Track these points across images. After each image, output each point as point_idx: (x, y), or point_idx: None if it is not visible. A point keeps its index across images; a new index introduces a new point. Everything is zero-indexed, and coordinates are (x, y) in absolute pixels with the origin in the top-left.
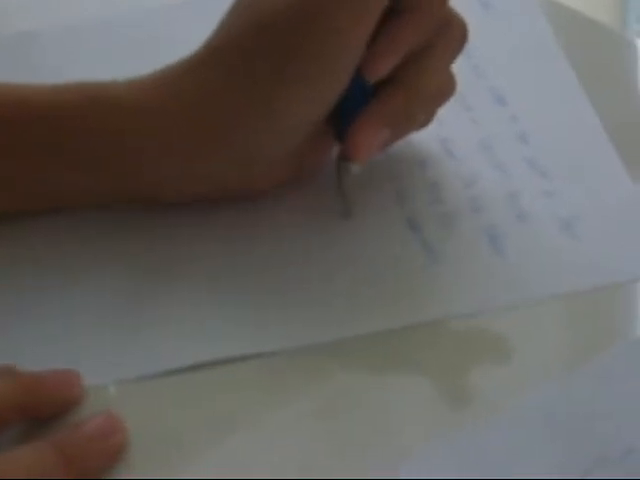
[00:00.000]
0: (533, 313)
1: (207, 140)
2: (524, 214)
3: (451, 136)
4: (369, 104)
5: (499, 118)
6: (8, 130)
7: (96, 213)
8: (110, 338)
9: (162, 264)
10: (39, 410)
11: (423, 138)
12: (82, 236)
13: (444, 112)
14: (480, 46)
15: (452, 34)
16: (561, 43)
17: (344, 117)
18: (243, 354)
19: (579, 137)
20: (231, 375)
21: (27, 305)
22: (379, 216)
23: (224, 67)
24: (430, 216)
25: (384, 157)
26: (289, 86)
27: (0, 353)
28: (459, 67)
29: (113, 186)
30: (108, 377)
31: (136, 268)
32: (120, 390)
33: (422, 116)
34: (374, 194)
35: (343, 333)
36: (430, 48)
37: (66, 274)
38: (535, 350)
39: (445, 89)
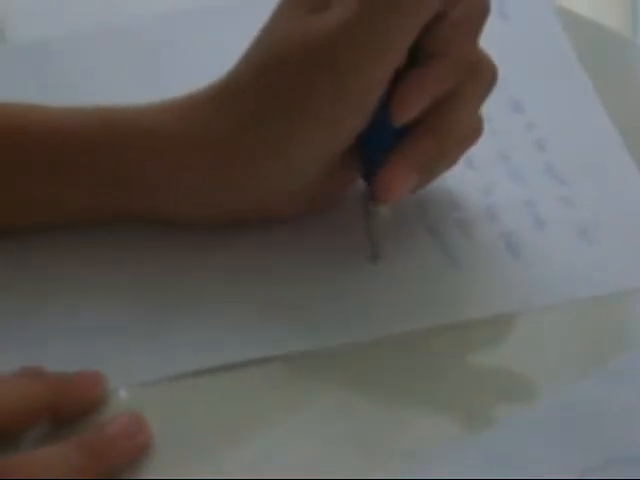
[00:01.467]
0: (550, 318)
1: (219, 176)
2: (541, 220)
3: None
4: (399, 146)
5: (516, 125)
6: (20, 152)
7: (106, 225)
8: (125, 342)
9: (170, 274)
10: (66, 410)
11: None
12: (93, 247)
13: None
14: (497, 55)
15: (482, 77)
16: (575, 50)
17: (371, 156)
18: (260, 357)
19: (595, 143)
20: (244, 378)
21: (41, 309)
22: (400, 223)
23: (236, 106)
24: (449, 223)
25: None
26: (302, 126)
27: (22, 355)
28: None
29: (127, 208)
30: (121, 381)
31: (143, 276)
32: (135, 393)
33: (451, 158)
34: (395, 203)
35: (362, 336)
36: (460, 91)
37: (79, 282)
38: (551, 354)
39: (473, 132)
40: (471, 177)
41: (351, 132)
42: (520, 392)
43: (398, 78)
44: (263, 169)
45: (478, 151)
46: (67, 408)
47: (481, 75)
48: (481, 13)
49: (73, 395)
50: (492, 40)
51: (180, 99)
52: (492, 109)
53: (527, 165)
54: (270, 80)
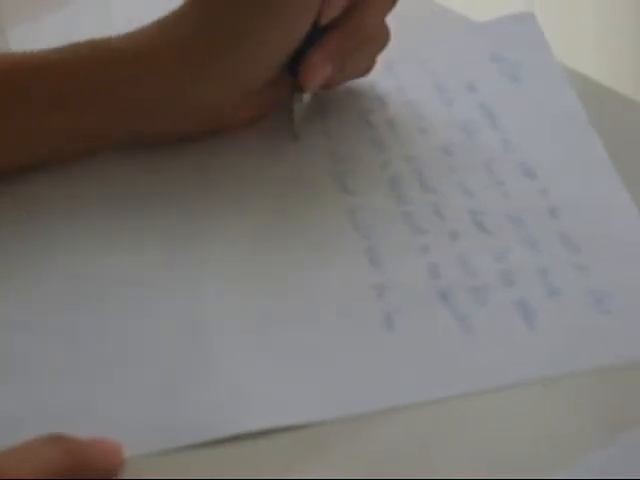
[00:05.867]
0: (564, 387)
1: (196, 70)
2: (555, 289)
3: (482, 209)
4: (318, 43)
5: (529, 191)
6: (8, 89)
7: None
8: (143, 408)
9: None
10: (85, 476)
11: (454, 212)
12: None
13: (475, 184)
14: (509, 120)
15: None
16: (589, 116)
17: (297, 56)
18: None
19: (609, 210)
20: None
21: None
22: (410, 288)
23: (209, 9)
24: (461, 289)
25: (415, 229)
26: (267, 16)
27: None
28: (489, 140)
29: (115, 127)
30: (140, 449)
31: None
32: (151, 462)
33: (361, 57)
34: (405, 267)
35: (375, 405)
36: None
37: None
38: (564, 425)
39: (380, 36)
40: (485, 241)
41: (303, 25)
42: (541, 460)
43: None
44: (235, 57)
45: (489, 212)
46: (86, 473)
47: None
48: None
49: (92, 462)
50: (505, 104)
51: (160, 18)
52: (505, 173)
53: (541, 231)
54: None
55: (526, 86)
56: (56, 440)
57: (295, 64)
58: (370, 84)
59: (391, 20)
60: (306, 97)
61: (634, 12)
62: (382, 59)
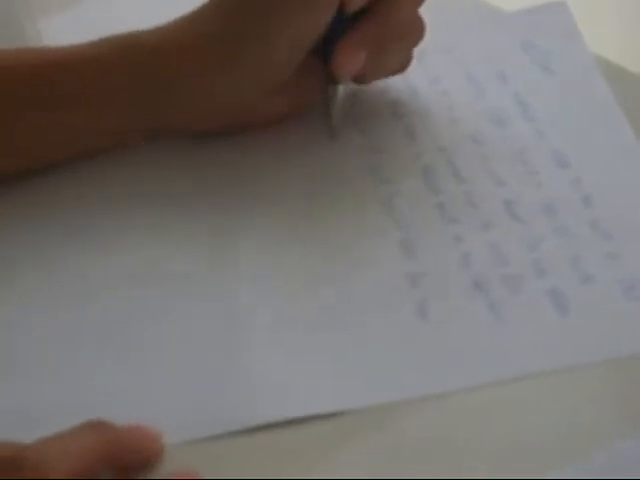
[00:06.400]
0: (596, 375)
1: (224, 65)
2: (588, 277)
3: (515, 198)
4: (349, 31)
5: (562, 181)
6: (34, 87)
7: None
8: (181, 396)
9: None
10: (125, 462)
11: (487, 201)
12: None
13: (508, 174)
14: (541, 109)
15: None
16: (621, 105)
17: (328, 49)
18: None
19: None
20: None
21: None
22: (444, 277)
23: (234, 3)
24: (494, 278)
25: (448, 219)
26: (289, 10)
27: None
28: (521, 130)
29: (142, 121)
30: (181, 436)
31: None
32: (190, 450)
33: (395, 50)
34: (439, 256)
35: (408, 394)
36: None
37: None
38: (596, 412)
39: (414, 29)
40: (518, 230)
41: (324, 17)
42: (566, 450)
43: None
44: (261, 50)
45: (523, 202)
46: (126, 460)
47: None
48: None
49: (132, 448)
50: (537, 94)
51: (186, 14)
52: (538, 163)
53: (573, 220)
54: None
55: (558, 75)
56: (96, 427)
57: (328, 55)
58: (401, 75)
59: (422, 11)
60: (341, 91)
61: None
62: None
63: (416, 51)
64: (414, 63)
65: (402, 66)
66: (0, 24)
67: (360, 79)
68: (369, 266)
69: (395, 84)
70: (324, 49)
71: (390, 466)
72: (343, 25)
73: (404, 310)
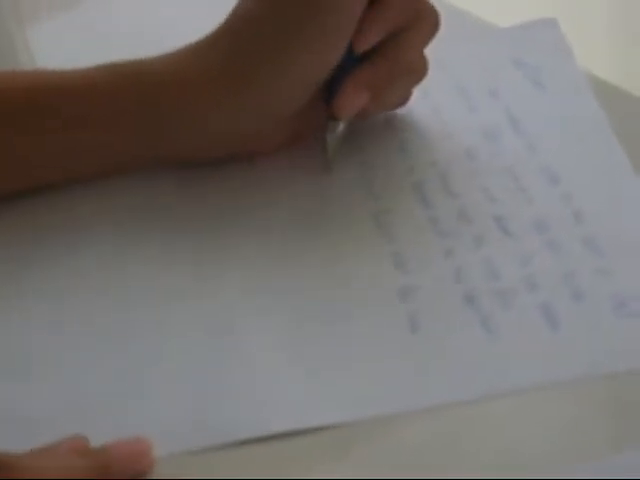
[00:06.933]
0: (586, 391)
1: (224, 100)
2: (579, 293)
3: (506, 213)
4: (354, 70)
5: (553, 196)
6: (35, 111)
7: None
8: (177, 405)
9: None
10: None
11: (478, 216)
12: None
13: (499, 189)
14: (532, 125)
15: (426, 20)
16: (610, 121)
17: (332, 85)
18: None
19: (631, 215)
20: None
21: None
22: (435, 292)
23: (240, 37)
24: (486, 292)
25: (440, 234)
26: (296, 50)
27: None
28: (512, 145)
29: (143, 150)
30: (168, 448)
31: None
32: (181, 462)
33: (399, 88)
34: (430, 271)
35: (399, 407)
36: (406, 29)
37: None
38: (583, 428)
39: (418, 68)
40: (509, 246)
41: (333, 56)
42: (559, 463)
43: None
44: (266, 85)
45: (514, 217)
46: (113, 477)
47: (426, 18)
48: None
49: (119, 470)
50: (528, 109)
51: (190, 45)
52: (528, 179)
53: (565, 236)
54: (273, 13)
55: (549, 91)
56: (80, 450)
57: (332, 92)
58: None
59: None
60: (340, 127)
61: None
62: None
63: None
64: None
65: (403, 101)
66: None
67: (361, 115)
68: (361, 280)
69: None
70: (328, 85)
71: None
72: (349, 63)
73: (396, 324)
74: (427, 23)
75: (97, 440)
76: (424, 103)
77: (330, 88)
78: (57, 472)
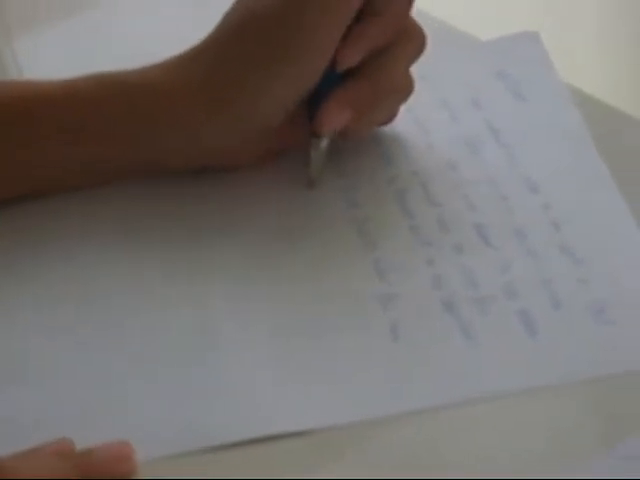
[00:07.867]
0: (564, 397)
1: (216, 115)
2: (557, 300)
3: (486, 222)
4: (337, 88)
5: (533, 206)
6: (25, 121)
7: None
8: (165, 409)
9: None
10: None
11: (459, 225)
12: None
13: (480, 198)
14: (513, 136)
15: (411, 39)
16: (591, 133)
17: (316, 102)
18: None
19: (609, 224)
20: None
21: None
22: (415, 299)
23: (225, 51)
24: (465, 300)
25: (421, 242)
26: (278, 65)
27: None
28: (493, 156)
29: (129, 159)
30: (153, 451)
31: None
32: (165, 464)
33: (384, 107)
34: (411, 279)
35: (382, 412)
36: (392, 48)
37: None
38: (562, 434)
39: (403, 87)
40: (489, 254)
41: (313, 74)
42: (544, 466)
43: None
44: (245, 102)
45: (493, 226)
46: None
47: (411, 38)
48: None
49: (102, 472)
50: (509, 121)
51: (175, 57)
52: (508, 188)
53: (543, 244)
54: (254, 31)
55: (530, 103)
56: (62, 453)
57: (315, 108)
58: None
59: None
60: (324, 144)
61: (635, 30)
62: None
63: None
64: None
65: (389, 119)
66: None
67: (345, 134)
68: (342, 288)
69: None
70: (312, 101)
71: None
72: (333, 80)
73: (377, 331)
74: (413, 43)
75: (83, 444)
76: (407, 114)
77: (314, 104)
78: (39, 473)
